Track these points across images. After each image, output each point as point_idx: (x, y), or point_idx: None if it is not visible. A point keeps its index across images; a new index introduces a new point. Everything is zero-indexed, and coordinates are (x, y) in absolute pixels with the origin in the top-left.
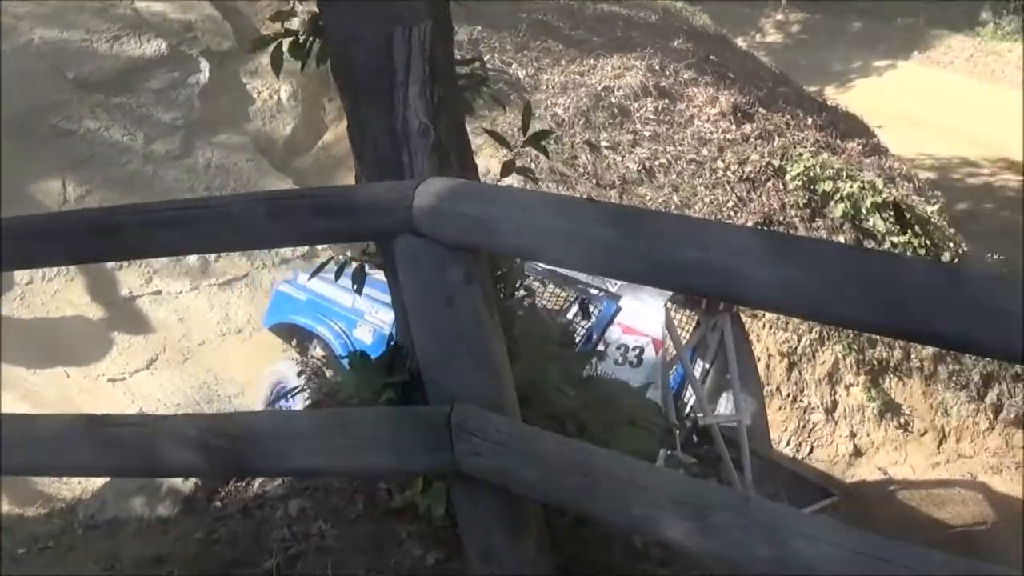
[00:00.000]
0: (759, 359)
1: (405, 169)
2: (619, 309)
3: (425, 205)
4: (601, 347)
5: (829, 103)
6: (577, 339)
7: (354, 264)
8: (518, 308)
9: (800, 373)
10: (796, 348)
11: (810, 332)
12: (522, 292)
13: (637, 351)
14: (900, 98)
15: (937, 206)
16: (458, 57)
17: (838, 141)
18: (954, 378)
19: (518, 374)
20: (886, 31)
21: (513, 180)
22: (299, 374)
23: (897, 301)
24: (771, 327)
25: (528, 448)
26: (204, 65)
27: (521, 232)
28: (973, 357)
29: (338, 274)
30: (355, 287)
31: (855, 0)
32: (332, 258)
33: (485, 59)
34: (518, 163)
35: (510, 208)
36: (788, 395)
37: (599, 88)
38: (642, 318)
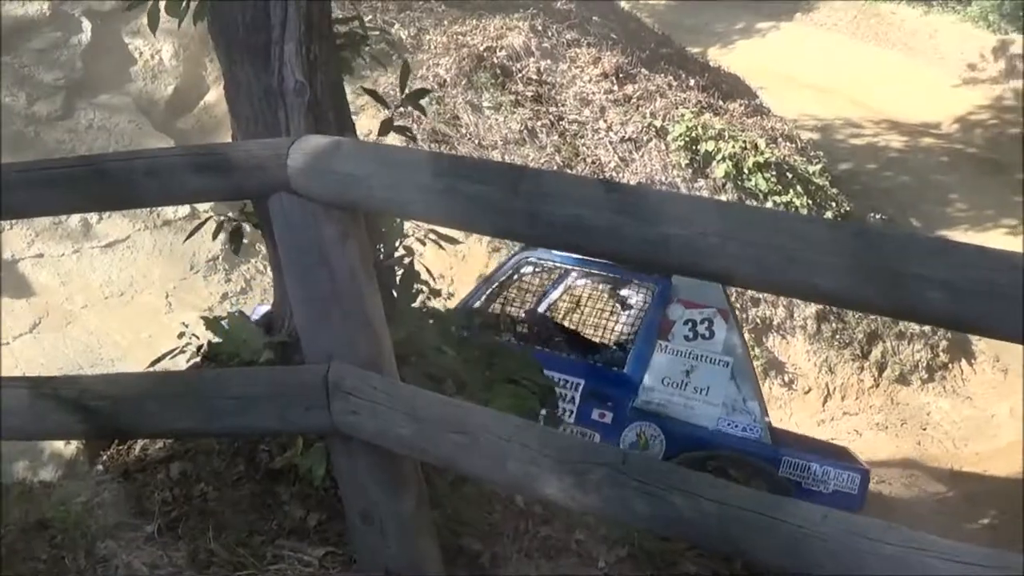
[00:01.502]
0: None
1: (281, 127)
2: (670, 285)
3: (300, 163)
4: (666, 326)
5: (712, 64)
6: (627, 328)
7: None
8: (398, 267)
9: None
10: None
11: None
12: (402, 251)
13: (706, 323)
14: (783, 59)
15: (819, 166)
16: (338, 16)
17: (720, 102)
18: (838, 336)
19: (397, 333)
20: None
21: (395, 139)
22: None
23: (780, 257)
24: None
25: (405, 406)
26: (86, 25)
27: (396, 189)
28: (857, 315)
29: (215, 234)
30: (232, 247)
31: None
32: (209, 218)
33: (367, 19)
34: (398, 122)
35: (385, 165)
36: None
37: (481, 49)
38: (701, 290)
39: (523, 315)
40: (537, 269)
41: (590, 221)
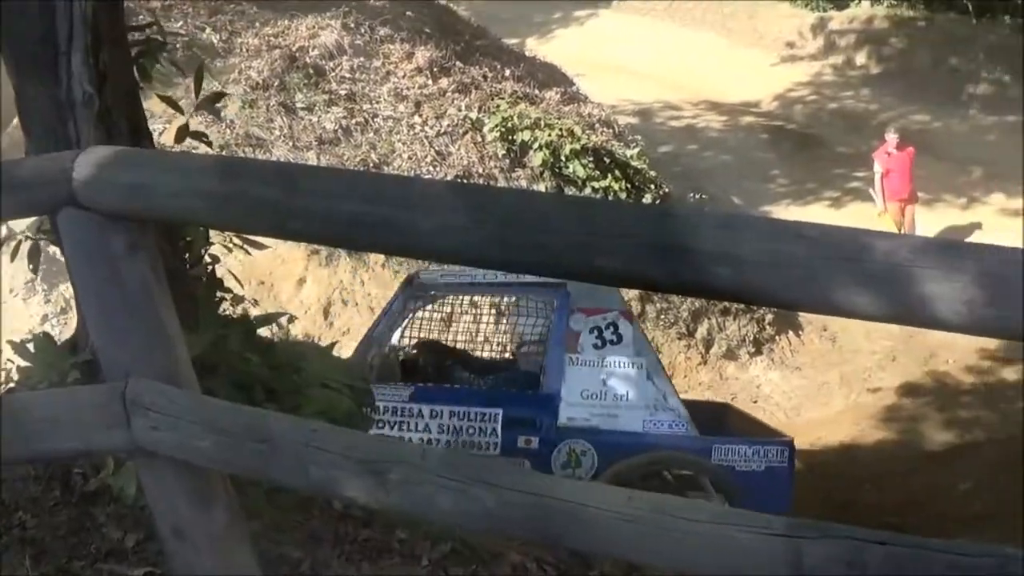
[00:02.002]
0: (464, 312)
1: (72, 140)
2: (568, 295)
3: (85, 175)
4: (572, 338)
5: (530, 54)
6: (532, 347)
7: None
8: (202, 276)
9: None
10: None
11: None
12: (207, 259)
13: (611, 328)
14: (601, 46)
15: (637, 150)
16: (134, 23)
17: (536, 91)
18: (663, 316)
19: (200, 343)
20: None
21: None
22: None
23: (569, 242)
24: None
25: (203, 418)
26: None
27: (180, 196)
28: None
29: (13, 255)
30: (31, 266)
31: None
32: (7, 238)
33: (177, 25)
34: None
35: (169, 173)
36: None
37: (294, 49)
38: (597, 295)
39: (421, 352)
40: (429, 295)
41: (370, 217)
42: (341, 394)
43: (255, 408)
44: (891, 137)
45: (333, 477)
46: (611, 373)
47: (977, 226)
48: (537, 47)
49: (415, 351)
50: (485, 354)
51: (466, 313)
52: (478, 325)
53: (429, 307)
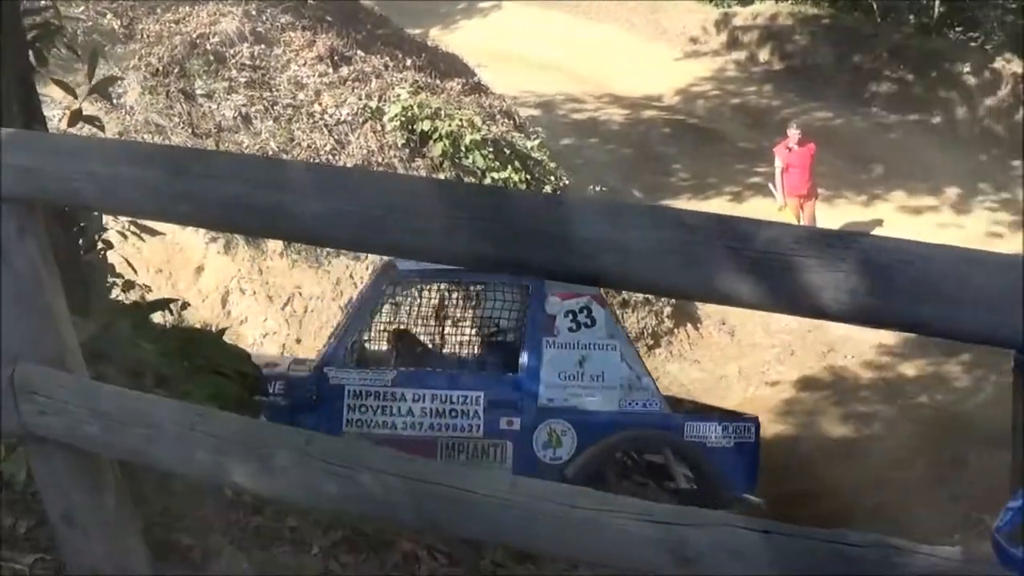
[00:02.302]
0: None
1: None
2: (543, 280)
3: None
4: (548, 322)
5: (432, 44)
6: (511, 331)
7: None
8: (95, 261)
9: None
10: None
11: None
12: (101, 245)
13: (584, 311)
14: (505, 38)
15: (537, 141)
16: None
17: (438, 81)
18: None
19: (90, 328)
20: None
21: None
22: None
23: (444, 226)
24: (374, 268)
25: (89, 403)
26: None
27: (67, 179)
28: None
29: None
30: None
31: None
32: None
33: (79, 11)
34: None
35: (57, 156)
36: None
37: (195, 36)
38: None
39: (400, 339)
40: (405, 285)
41: (253, 199)
42: (232, 381)
43: (141, 393)
44: (793, 133)
45: (219, 462)
46: (586, 355)
47: (877, 223)
48: (441, 37)
49: (393, 338)
50: (463, 339)
51: (443, 299)
52: (455, 311)
53: (406, 294)
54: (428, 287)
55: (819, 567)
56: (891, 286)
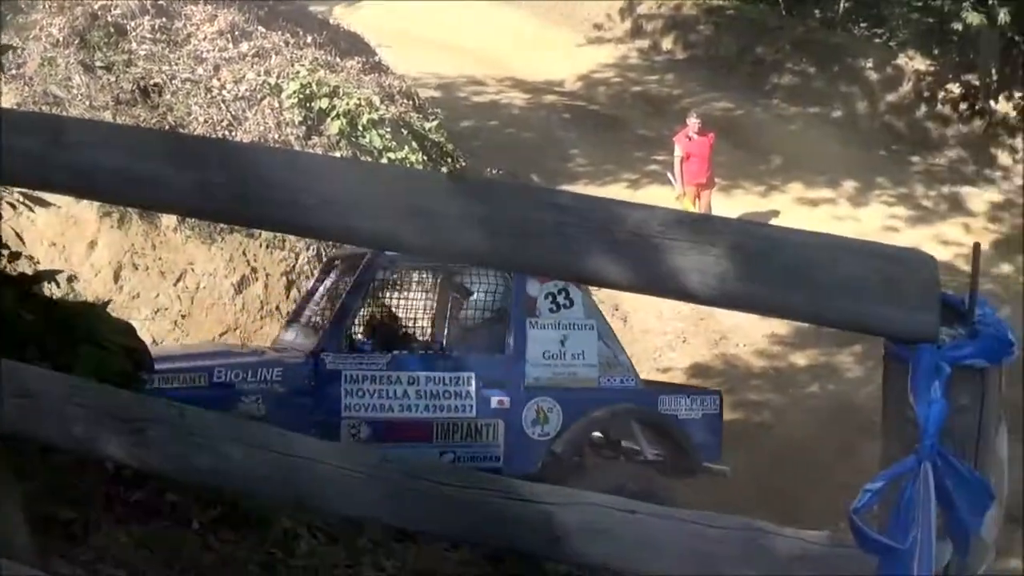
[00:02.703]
0: (256, 280)
1: None
2: None
3: None
4: (530, 304)
5: (334, 23)
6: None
7: None
8: None
9: (299, 291)
10: (294, 266)
11: (308, 250)
12: None
13: (563, 293)
14: (409, 18)
15: (435, 122)
16: None
17: (338, 59)
18: None
19: None
20: None
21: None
22: None
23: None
24: (267, 246)
25: None
26: None
27: None
28: None
29: None
30: None
31: None
32: None
33: None
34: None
35: None
36: (288, 313)
37: (96, 7)
38: None
39: (392, 323)
40: (394, 270)
41: (135, 172)
42: (115, 354)
43: (16, 362)
44: (693, 122)
45: (94, 435)
46: (567, 335)
47: (774, 214)
48: (344, 16)
49: (385, 322)
50: (452, 322)
51: (432, 283)
52: (444, 295)
53: (394, 278)
54: (417, 271)
55: (683, 547)
56: (761, 271)
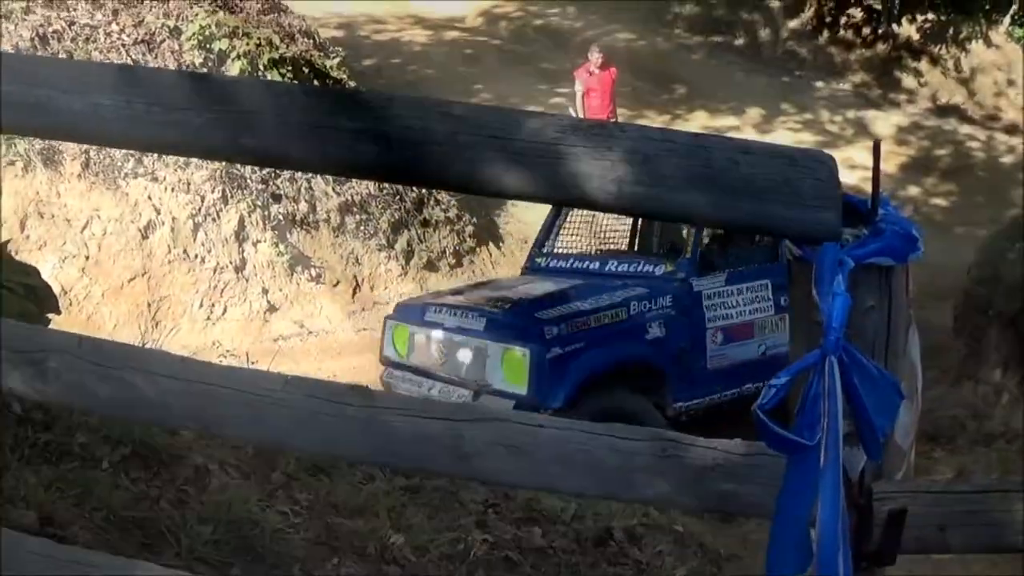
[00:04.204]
0: (162, 224)
1: None
2: None
3: None
4: None
5: None
6: None
7: None
8: None
9: (206, 233)
10: (200, 208)
11: (213, 192)
12: None
13: None
14: None
15: (336, 60)
16: None
17: (237, 1)
18: (362, 227)
19: None
20: None
21: None
22: None
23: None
24: (172, 190)
25: None
26: None
27: None
28: (381, 206)
29: None
30: None
31: None
32: None
33: None
34: None
35: None
36: (196, 256)
37: None
38: None
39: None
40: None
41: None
42: (18, 295)
43: None
44: (594, 56)
45: None
46: None
47: None
48: None
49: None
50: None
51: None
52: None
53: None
54: None
55: (595, 460)
56: (660, 175)
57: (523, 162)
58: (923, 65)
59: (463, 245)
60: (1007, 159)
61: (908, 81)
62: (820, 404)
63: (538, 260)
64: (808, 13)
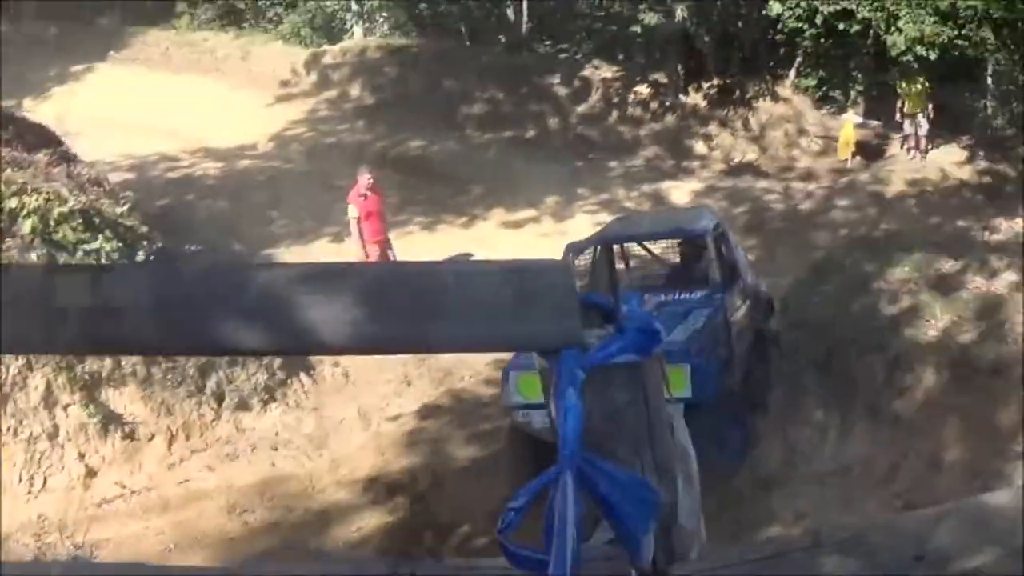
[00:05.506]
0: None
1: None
2: None
3: None
4: None
5: (23, 115)
6: None
7: None
8: None
9: (15, 403)
10: (6, 378)
11: (16, 360)
12: None
13: None
14: (99, 101)
15: (127, 206)
16: None
17: (25, 154)
18: (169, 376)
19: None
20: (84, 34)
21: None
22: None
23: None
24: None
25: None
26: None
27: None
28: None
29: None
30: None
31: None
32: None
33: None
34: None
35: None
36: (8, 429)
37: None
38: None
39: None
40: None
41: None
42: None
43: None
44: (364, 178)
45: None
46: None
47: (479, 242)
48: (34, 107)
49: None
50: None
51: None
52: None
53: None
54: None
55: None
56: (392, 311)
57: (259, 317)
58: (713, 129)
59: (274, 379)
60: (805, 205)
61: (699, 147)
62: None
63: None
64: (595, 96)
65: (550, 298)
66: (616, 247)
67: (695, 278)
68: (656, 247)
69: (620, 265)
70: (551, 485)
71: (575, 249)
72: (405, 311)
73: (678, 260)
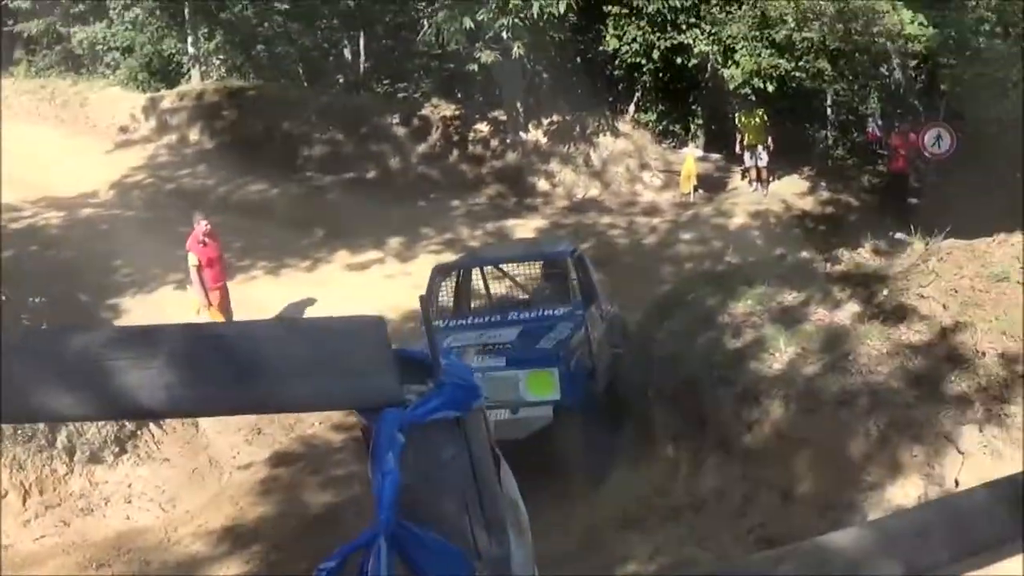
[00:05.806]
0: None
1: None
2: None
3: None
4: None
5: None
6: None
7: None
8: None
9: None
10: None
11: None
12: None
13: None
14: None
15: None
16: None
17: None
18: (19, 431)
19: None
20: None
21: None
22: None
23: None
24: None
25: None
26: None
27: None
28: None
29: None
30: None
31: None
32: None
33: None
34: None
35: None
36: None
37: None
38: None
39: None
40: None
41: None
42: None
43: None
44: (201, 226)
45: None
46: None
47: (323, 285)
48: None
49: None
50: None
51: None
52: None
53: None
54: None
55: None
56: (207, 373)
57: (74, 382)
58: (555, 166)
59: (124, 431)
60: (650, 240)
61: (542, 184)
62: None
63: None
64: (435, 135)
65: (366, 355)
66: (481, 270)
67: (557, 297)
68: (519, 270)
69: (485, 288)
70: (366, 548)
71: (442, 271)
72: (219, 373)
73: (541, 281)
